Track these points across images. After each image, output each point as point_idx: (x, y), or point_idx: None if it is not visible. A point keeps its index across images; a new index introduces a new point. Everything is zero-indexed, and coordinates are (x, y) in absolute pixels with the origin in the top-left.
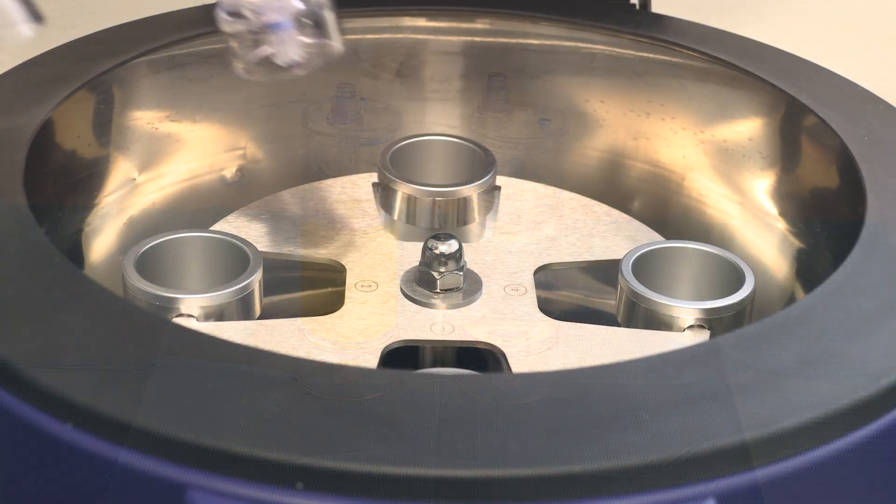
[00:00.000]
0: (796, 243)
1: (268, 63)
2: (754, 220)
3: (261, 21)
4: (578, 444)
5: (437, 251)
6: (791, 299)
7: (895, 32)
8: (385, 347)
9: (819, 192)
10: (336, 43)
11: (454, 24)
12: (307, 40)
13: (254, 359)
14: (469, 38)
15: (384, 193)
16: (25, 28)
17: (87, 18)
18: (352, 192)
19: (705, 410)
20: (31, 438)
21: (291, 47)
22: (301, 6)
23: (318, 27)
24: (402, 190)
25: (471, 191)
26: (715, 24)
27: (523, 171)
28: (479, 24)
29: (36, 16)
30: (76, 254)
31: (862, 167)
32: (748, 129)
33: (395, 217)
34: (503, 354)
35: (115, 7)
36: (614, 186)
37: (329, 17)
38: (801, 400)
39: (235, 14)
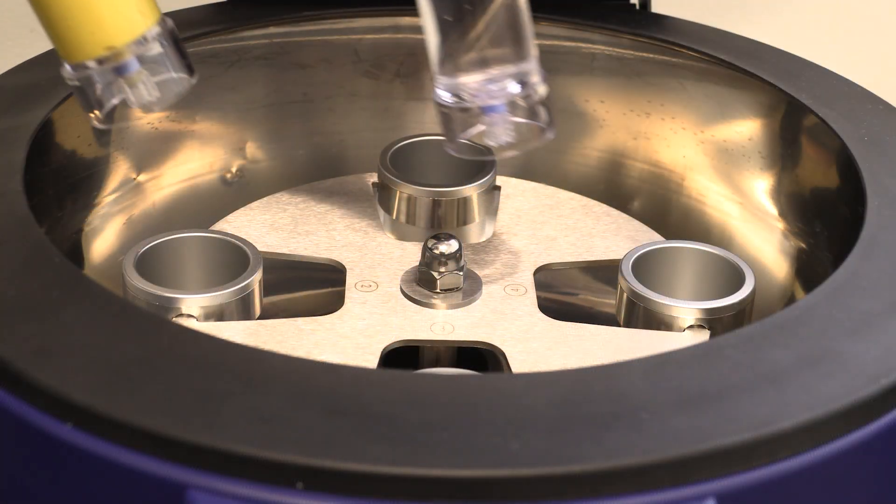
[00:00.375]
0: (796, 243)
1: (479, 140)
2: (754, 220)
3: (476, 104)
4: (578, 444)
5: (437, 251)
6: (791, 299)
7: (895, 32)
8: (385, 347)
9: (819, 192)
10: (548, 129)
11: None
12: (520, 120)
13: (254, 359)
14: None
15: (384, 193)
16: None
17: None
18: (351, 192)
19: (705, 410)
20: (31, 438)
21: (503, 129)
22: (517, 90)
23: (532, 109)
24: (402, 190)
25: (471, 191)
26: (715, 24)
27: (523, 171)
28: None
29: (189, 69)
30: (76, 254)
31: (862, 167)
32: (748, 129)
33: (395, 217)
34: (503, 354)
35: None
36: (614, 186)
37: (543, 102)
38: (801, 400)
39: (455, 95)
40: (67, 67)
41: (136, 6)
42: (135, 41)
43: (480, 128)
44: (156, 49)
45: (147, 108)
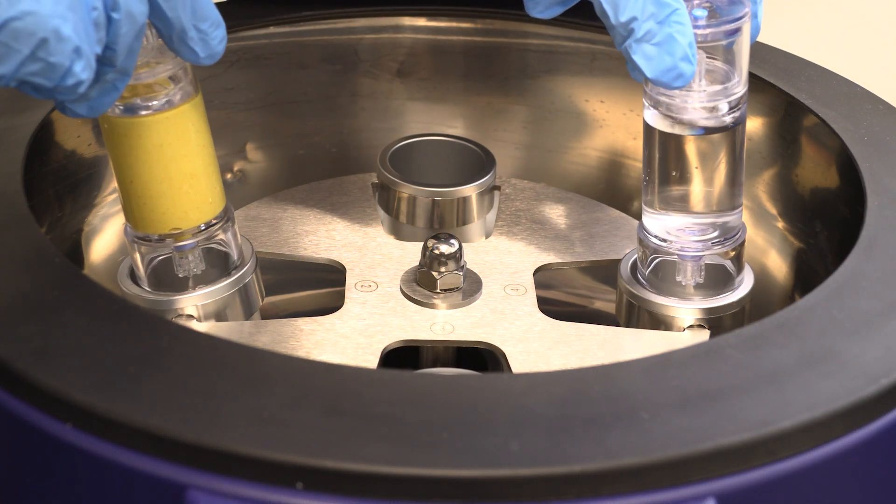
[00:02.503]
0: (796, 243)
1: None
2: (754, 220)
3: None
4: (578, 444)
5: (437, 251)
6: (791, 299)
7: (895, 32)
8: (385, 347)
9: (819, 192)
10: (736, 280)
11: (454, 24)
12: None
13: (254, 359)
14: (469, 38)
15: (384, 193)
16: None
17: None
18: (352, 192)
19: (705, 410)
20: (31, 438)
21: (692, 271)
22: (715, 239)
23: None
24: (402, 190)
25: (470, 191)
26: None
27: (523, 172)
28: (479, 24)
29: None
30: (76, 254)
31: (862, 167)
32: (748, 129)
33: (395, 217)
34: (503, 354)
35: None
36: (614, 186)
37: (737, 254)
38: (801, 400)
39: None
40: (129, 230)
41: (209, 197)
42: (199, 225)
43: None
44: (215, 233)
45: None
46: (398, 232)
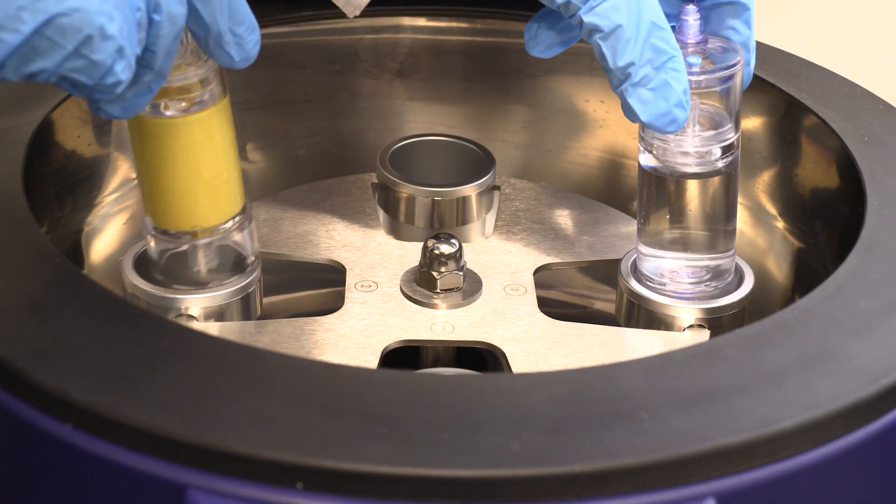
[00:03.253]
0: (796, 243)
1: None
2: (754, 220)
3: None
4: (578, 444)
5: (437, 251)
6: (791, 299)
7: (895, 32)
8: (385, 347)
9: (819, 192)
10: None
11: (454, 24)
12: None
13: (254, 359)
14: (469, 38)
15: (383, 193)
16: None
17: None
18: (351, 192)
19: (705, 410)
20: (31, 438)
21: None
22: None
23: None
24: (402, 190)
25: (470, 191)
26: None
27: (523, 171)
28: (479, 24)
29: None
30: (76, 254)
31: (862, 167)
32: (748, 129)
33: (395, 217)
34: (503, 354)
35: None
36: (614, 186)
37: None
38: (801, 400)
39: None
40: (149, 223)
41: (231, 197)
42: (218, 224)
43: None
44: (232, 232)
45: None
46: (398, 232)
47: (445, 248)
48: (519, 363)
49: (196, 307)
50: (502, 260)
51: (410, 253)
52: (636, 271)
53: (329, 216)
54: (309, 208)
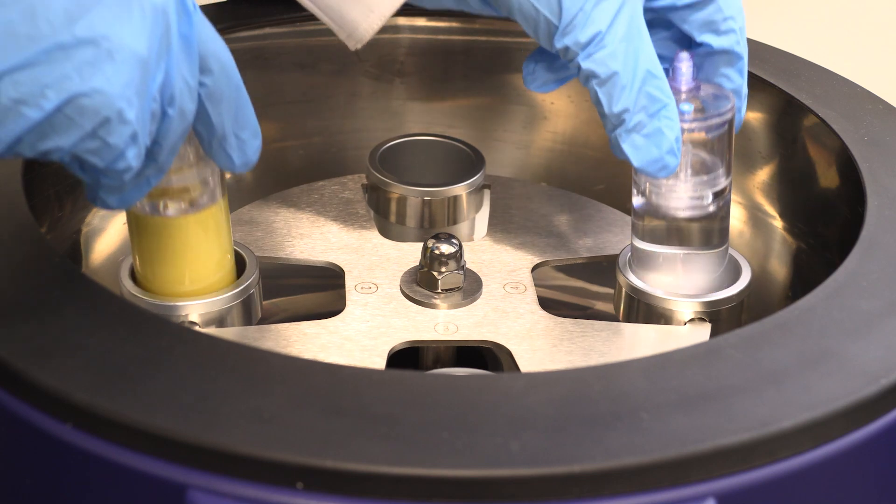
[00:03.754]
0: (796, 243)
1: None
2: (754, 220)
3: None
4: (578, 444)
5: (437, 251)
6: (791, 299)
7: (895, 32)
8: (391, 349)
9: (819, 192)
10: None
11: (454, 24)
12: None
13: (254, 359)
14: (469, 38)
15: (374, 194)
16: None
17: None
18: (349, 193)
19: (705, 410)
20: (31, 438)
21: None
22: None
23: None
24: (392, 190)
25: (460, 190)
26: None
27: (521, 171)
28: (479, 24)
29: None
30: (76, 254)
31: (862, 167)
32: (748, 129)
33: (385, 217)
34: (509, 353)
35: None
36: (613, 186)
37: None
38: (801, 400)
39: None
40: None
41: (221, 282)
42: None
43: None
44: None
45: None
46: (389, 232)
47: (446, 248)
48: (525, 361)
49: (196, 313)
50: (500, 259)
51: (407, 253)
52: (634, 265)
53: (325, 218)
54: (304, 210)
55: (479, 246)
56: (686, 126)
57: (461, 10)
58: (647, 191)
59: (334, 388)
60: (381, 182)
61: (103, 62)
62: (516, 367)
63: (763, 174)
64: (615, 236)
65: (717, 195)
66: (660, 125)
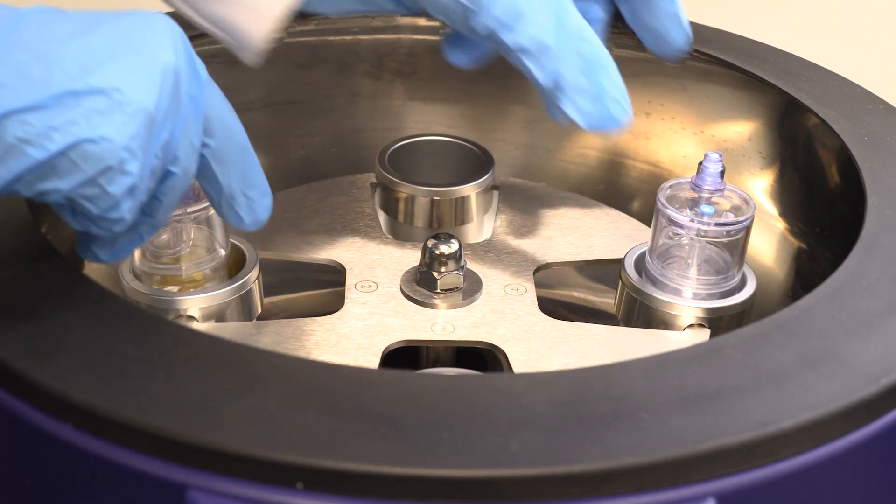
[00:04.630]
0: (796, 243)
1: None
2: (754, 220)
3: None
4: (578, 444)
5: (437, 251)
6: (791, 299)
7: (895, 32)
8: (386, 348)
9: (819, 192)
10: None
11: None
12: None
13: (254, 359)
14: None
15: (382, 193)
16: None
17: None
18: (350, 192)
19: (705, 410)
20: (31, 438)
21: None
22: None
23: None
24: (401, 189)
25: (469, 190)
26: (715, 24)
27: (523, 172)
28: None
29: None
30: (76, 254)
31: (862, 167)
32: (748, 129)
33: (394, 217)
34: (504, 354)
35: (115, 7)
36: (614, 186)
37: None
38: (801, 400)
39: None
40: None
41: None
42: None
43: None
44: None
45: None
46: (397, 232)
47: (445, 249)
48: (520, 363)
49: (195, 308)
50: (502, 260)
51: (410, 253)
52: (639, 269)
53: (328, 216)
54: (308, 208)
55: (483, 247)
56: (704, 228)
57: (364, 13)
58: (655, 281)
59: (335, 388)
60: (390, 181)
61: (113, 112)
62: (511, 370)
63: (763, 174)
64: (619, 240)
65: (725, 296)
66: (599, 81)
